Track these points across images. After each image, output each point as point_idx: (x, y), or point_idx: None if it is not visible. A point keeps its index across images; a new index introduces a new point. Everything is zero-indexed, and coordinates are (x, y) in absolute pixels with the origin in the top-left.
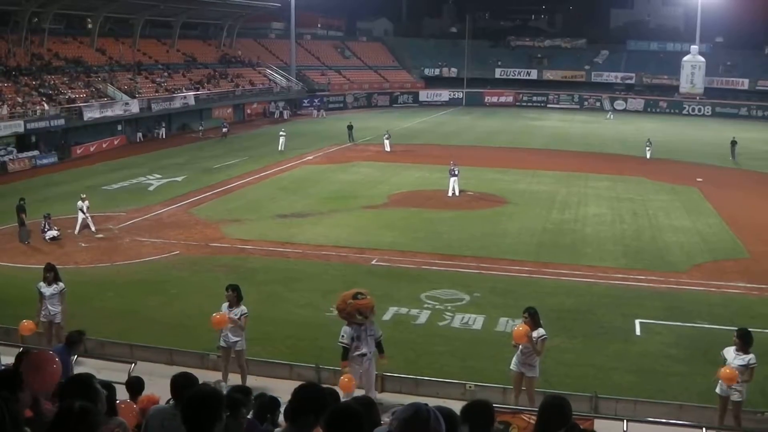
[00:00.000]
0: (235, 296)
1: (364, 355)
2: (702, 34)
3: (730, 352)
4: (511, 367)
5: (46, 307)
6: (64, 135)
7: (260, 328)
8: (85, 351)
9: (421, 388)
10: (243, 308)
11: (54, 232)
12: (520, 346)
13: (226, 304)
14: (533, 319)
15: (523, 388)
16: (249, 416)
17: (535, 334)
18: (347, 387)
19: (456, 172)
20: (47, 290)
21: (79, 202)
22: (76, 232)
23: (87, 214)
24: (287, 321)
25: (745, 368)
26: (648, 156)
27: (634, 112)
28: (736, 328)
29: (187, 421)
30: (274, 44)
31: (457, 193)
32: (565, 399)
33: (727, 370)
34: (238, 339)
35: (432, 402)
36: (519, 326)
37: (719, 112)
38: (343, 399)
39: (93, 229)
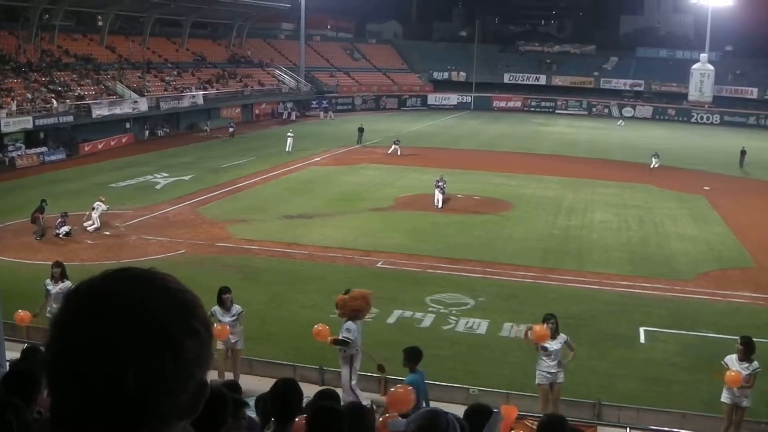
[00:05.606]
0: (231, 298)
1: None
2: (712, 42)
3: (732, 361)
4: (538, 382)
5: (51, 305)
6: (73, 132)
7: (265, 329)
8: None
9: None
10: (238, 307)
11: (67, 228)
12: (543, 355)
13: (216, 307)
14: (557, 324)
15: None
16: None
17: (560, 340)
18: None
19: (441, 184)
20: (54, 288)
21: (97, 203)
22: (98, 225)
23: (96, 214)
24: (292, 322)
25: (750, 376)
26: (651, 166)
27: (642, 119)
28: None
29: (192, 421)
30: (284, 45)
31: (440, 206)
32: (563, 417)
33: (732, 373)
34: (237, 339)
35: (435, 406)
36: (539, 327)
37: (728, 120)
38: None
39: (90, 228)
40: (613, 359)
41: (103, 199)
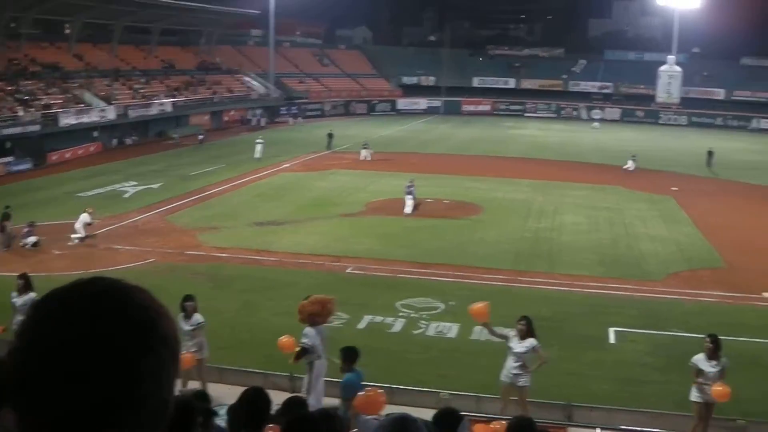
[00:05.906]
0: (194, 306)
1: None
2: (679, 44)
3: (702, 361)
4: (501, 378)
5: (16, 318)
6: (40, 141)
7: (236, 336)
8: None
9: (395, 396)
10: (199, 317)
11: (34, 238)
12: (509, 354)
13: (181, 315)
14: (529, 327)
15: (513, 398)
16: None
17: (527, 343)
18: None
19: (411, 189)
20: (19, 300)
21: (84, 214)
22: (84, 234)
23: (79, 225)
24: (263, 329)
25: (722, 372)
26: (624, 167)
27: (611, 121)
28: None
29: None
30: (253, 51)
31: (409, 212)
32: (531, 419)
33: (719, 388)
34: (197, 349)
35: (405, 411)
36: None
37: (695, 121)
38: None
39: (73, 236)
40: (585, 361)
41: (90, 210)
